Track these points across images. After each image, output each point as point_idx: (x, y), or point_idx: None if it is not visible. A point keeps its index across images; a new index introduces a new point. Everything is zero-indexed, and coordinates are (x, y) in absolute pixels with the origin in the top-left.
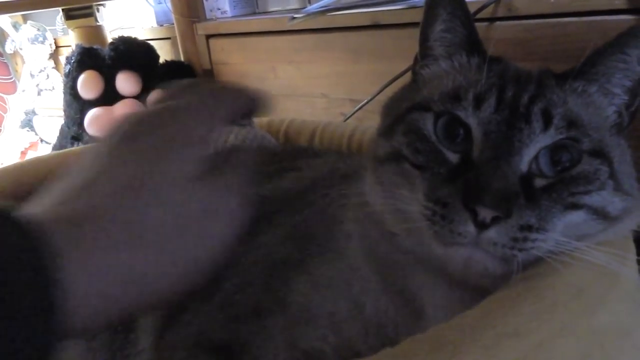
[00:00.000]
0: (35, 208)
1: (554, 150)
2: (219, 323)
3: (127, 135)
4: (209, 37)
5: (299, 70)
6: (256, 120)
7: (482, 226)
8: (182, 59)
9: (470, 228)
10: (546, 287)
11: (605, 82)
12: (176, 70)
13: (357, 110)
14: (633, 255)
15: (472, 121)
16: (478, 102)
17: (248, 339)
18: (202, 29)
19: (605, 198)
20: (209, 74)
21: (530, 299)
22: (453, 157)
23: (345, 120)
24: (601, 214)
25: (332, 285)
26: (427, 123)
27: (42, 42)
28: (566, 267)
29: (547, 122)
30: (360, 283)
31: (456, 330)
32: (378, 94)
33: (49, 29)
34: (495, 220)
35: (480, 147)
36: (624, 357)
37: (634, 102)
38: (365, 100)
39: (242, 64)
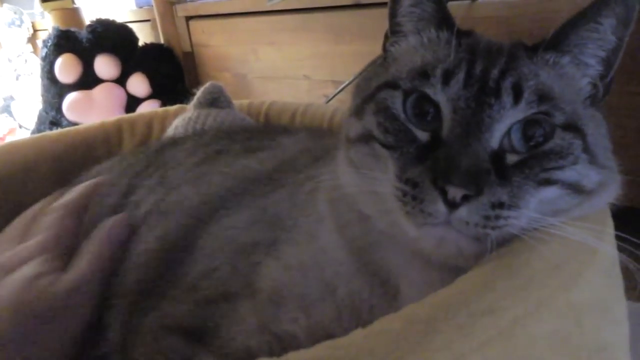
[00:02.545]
0: None
1: (526, 125)
2: (186, 308)
3: None
4: (189, 18)
5: (280, 51)
6: (236, 102)
7: (452, 205)
8: (162, 41)
9: (441, 207)
10: (521, 264)
11: (578, 53)
12: (156, 53)
13: (339, 92)
14: (611, 230)
15: (440, 98)
16: (446, 78)
17: (218, 323)
18: (182, 10)
19: (579, 172)
20: (190, 56)
21: (504, 275)
22: (423, 135)
23: (327, 102)
24: (576, 189)
25: (302, 268)
26: (396, 102)
27: (19, 26)
28: (542, 243)
29: (518, 96)
30: (332, 265)
31: (429, 308)
32: (360, 74)
33: (26, 12)
34: (465, 198)
35: (449, 124)
36: (602, 333)
37: (608, 73)
38: (347, 82)
39: (223, 46)
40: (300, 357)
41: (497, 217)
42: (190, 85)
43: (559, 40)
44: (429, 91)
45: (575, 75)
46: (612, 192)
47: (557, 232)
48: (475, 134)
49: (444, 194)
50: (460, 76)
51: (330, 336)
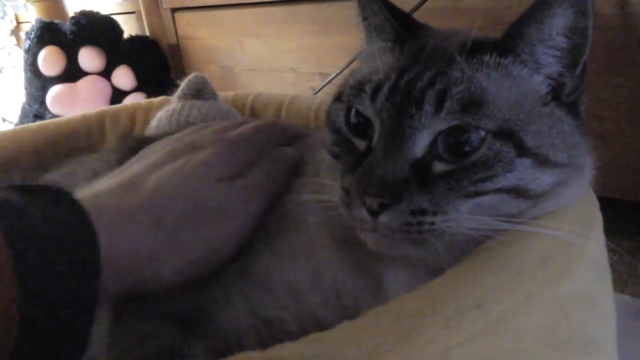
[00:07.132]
0: (91, 191)
1: (453, 134)
2: (181, 290)
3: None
4: (174, 10)
5: (267, 44)
6: (221, 94)
7: (373, 213)
8: (147, 33)
9: (365, 215)
10: (510, 257)
11: (528, 53)
12: (141, 45)
13: (325, 85)
14: (599, 223)
15: (370, 112)
16: (374, 93)
17: (209, 306)
18: (167, 2)
19: (520, 178)
20: (175, 49)
21: (493, 269)
22: (360, 144)
23: (314, 94)
24: (521, 194)
25: (293, 256)
26: (339, 114)
27: (2, 18)
28: (531, 236)
29: (440, 104)
30: (320, 254)
31: (417, 302)
32: (347, 67)
33: (10, 4)
34: (383, 206)
35: (377, 135)
36: (590, 327)
37: (574, 68)
38: (334, 74)
39: (209, 38)
40: (285, 351)
41: (421, 223)
42: (176, 78)
43: (507, 43)
44: (360, 107)
45: (524, 75)
46: (578, 189)
47: (531, 228)
48: (395, 144)
49: (365, 202)
50: (385, 89)
51: (317, 323)
